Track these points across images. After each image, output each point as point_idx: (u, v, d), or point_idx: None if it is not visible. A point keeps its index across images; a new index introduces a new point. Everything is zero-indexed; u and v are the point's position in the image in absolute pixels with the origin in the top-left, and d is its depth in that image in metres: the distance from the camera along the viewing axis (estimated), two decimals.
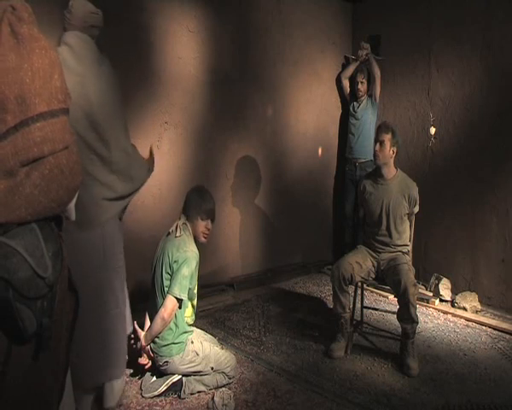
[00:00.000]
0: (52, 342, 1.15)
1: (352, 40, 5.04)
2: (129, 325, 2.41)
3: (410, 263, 3.08)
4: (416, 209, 3.13)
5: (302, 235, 4.81)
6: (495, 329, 3.47)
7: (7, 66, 1.07)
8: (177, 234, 2.53)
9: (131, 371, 2.72)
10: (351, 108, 4.66)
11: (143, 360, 2.56)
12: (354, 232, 4.59)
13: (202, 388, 2.56)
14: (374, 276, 3.13)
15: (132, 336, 2.64)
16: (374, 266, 3.11)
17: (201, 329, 2.85)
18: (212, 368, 2.56)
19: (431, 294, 4.03)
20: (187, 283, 2.46)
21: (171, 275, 2.49)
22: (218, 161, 4.06)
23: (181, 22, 3.68)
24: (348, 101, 4.78)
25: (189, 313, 2.60)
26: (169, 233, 2.60)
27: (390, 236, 3.08)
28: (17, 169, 1.08)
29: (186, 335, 2.55)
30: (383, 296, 4.15)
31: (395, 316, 2.97)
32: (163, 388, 2.51)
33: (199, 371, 2.55)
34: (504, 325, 3.49)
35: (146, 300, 2.76)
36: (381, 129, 3.08)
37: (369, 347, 3.19)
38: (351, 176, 4.61)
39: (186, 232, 2.57)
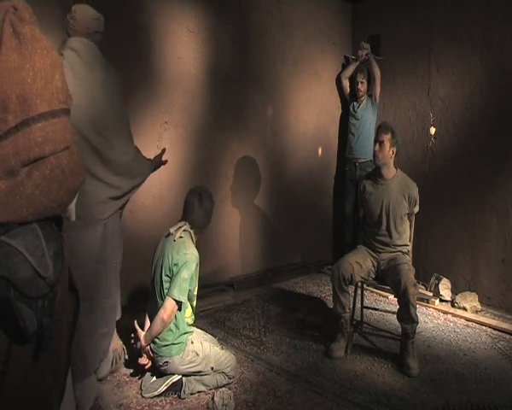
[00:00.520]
0: (52, 342, 1.15)
1: (352, 40, 5.04)
2: (118, 312, 2.53)
3: (410, 263, 3.08)
4: (416, 209, 3.13)
5: (302, 235, 4.81)
6: (495, 329, 3.47)
7: (9, 66, 1.07)
8: (177, 236, 2.53)
9: (131, 371, 2.72)
10: (351, 108, 4.66)
11: (143, 360, 2.56)
12: (354, 232, 4.59)
13: (202, 388, 2.56)
14: (374, 276, 3.13)
15: (132, 335, 2.64)
16: (374, 266, 3.11)
17: (201, 329, 2.85)
18: (212, 368, 2.56)
19: (431, 294, 4.03)
20: (186, 285, 2.46)
21: (171, 277, 2.48)
22: (218, 161, 4.06)
23: (181, 22, 3.68)
24: (348, 101, 4.78)
25: (188, 313, 2.60)
26: (169, 234, 2.58)
27: (390, 236, 3.08)
28: (18, 169, 1.08)
29: (186, 335, 2.55)
30: (383, 296, 4.15)
31: (395, 316, 2.97)
32: (163, 388, 2.51)
33: (199, 372, 2.55)
34: (504, 325, 3.49)
35: (146, 300, 2.76)
36: (380, 129, 3.08)
37: (369, 347, 3.19)
38: (351, 176, 4.61)
39: (187, 235, 2.57)
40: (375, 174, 3.16)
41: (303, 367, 2.88)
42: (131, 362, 2.75)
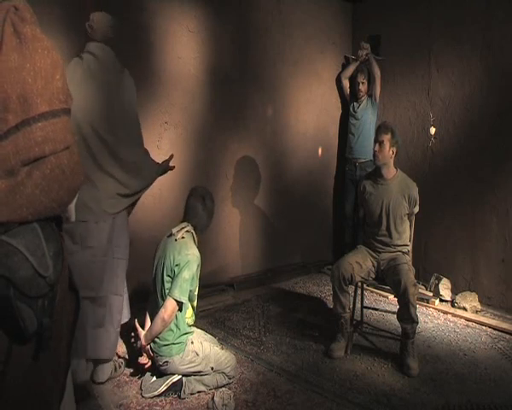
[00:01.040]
0: (52, 342, 1.15)
1: (352, 40, 5.05)
2: (125, 315, 2.65)
3: (410, 263, 3.08)
4: (416, 209, 3.13)
5: (302, 235, 4.81)
6: (495, 329, 3.47)
7: (9, 65, 1.07)
8: (179, 237, 2.53)
9: (131, 370, 2.72)
10: (351, 108, 4.67)
11: (143, 359, 2.56)
12: (354, 232, 4.59)
13: (202, 388, 2.56)
14: (374, 276, 3.13)
15: (132, 334, 2.65)
16: (374, 266, 3.11)
17: (201, 329, 2.84)
18: (212, 368, 2.55)
19: (431, 294, 4.03)
20: (187, 286, 2.46)
21: (172, 278, 2.48)
22: (218, 161, 4.06)
23: (181, 22, 3.68)
24: (348, 101, 4.78)
25: (189, 313, 2.60)
26: (171, 234, 2.58)
27: (390, 236, 3.08)
28: (18, 168, 1.07)
29: (186, 335, 2.55)
30: (383, 296, 4.15)
31: (395, 316, 2.97)
32: (163, 388, 2.51)
33: (199, 372, 2.54)
34: (504, 325, 3.49)
35: (146, 300, 2.76)
36: (380, 129, 3.08)
37: (369, 347, 3.19)
38: (351, 176, 4.61)
39: (189, 236, 2.57)
40: (375, 174, 3.16)
41: (303, 367, 2.88)
42: (131, 362, 2.75)
